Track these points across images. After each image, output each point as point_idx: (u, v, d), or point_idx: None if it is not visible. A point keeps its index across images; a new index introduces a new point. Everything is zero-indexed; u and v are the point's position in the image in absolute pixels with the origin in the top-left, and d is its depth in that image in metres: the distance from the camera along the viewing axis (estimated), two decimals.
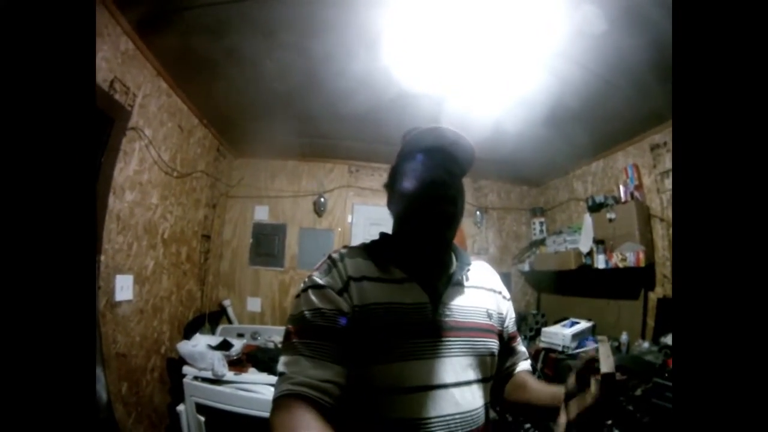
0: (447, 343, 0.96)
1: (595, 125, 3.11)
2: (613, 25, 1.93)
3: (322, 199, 4.36)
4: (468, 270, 1.11)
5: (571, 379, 0.93)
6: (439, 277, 1.06)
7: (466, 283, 1.09)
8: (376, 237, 1.14)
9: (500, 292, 1.20)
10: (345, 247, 1.08)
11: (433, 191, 1.00)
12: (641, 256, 2.92)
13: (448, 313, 0.99)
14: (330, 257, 1.02)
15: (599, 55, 2.20)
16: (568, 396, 0.92)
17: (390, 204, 1.15)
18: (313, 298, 0.92)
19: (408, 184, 1.03)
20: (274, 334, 3.46)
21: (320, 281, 0.95)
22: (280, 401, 0.80)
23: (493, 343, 1.06)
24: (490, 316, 1.09)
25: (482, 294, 1.12)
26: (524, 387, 1.13)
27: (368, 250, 1.07)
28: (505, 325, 1.17)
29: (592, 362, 0.90)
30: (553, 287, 4.29)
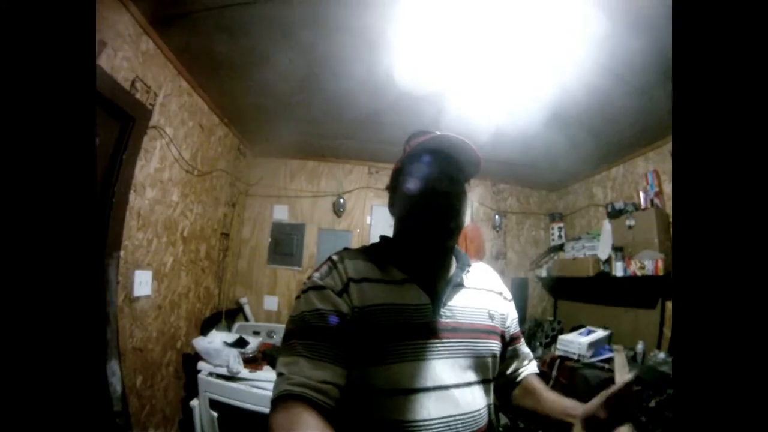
0: (447, 344, 0.96)
1: (614, 130, 3.08)
2: (632, 32, 1.93)
3: (341, 200, 4.38)
4: (468, 272, 1.12)
5: (596, 401, 0.89)
6: (440, 278, 1.06)
7: (466, 284, 1.09)
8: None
9: (501, 293, 1.20)
10: (346, 249, 1.10)
11: (438, 203, 1.01)
12: (660, 264, 2.88)
13: (448, 314, 1.00)
14: (330, 259, 1.03)
15: (621, 60, 2.19)
16: (589, 420, 0.89)
17: (392, 207, 1.16)
18: (313, 299, 0.93)
19: (413, 192, 1.03)
20: None
21: (320, 282, 0.96)
22: (279, 402, 0.80)
23: (495, 344, 1.07)
24: (491, 317, 1.09)
25: (483, 295, 1.12)
26: (534, 394, 1.13)
27: (369, 252, 1.08)
28: (507, 325, 1.17)
29: (629, 389, 0.87)
30: (571, 294, 4.25)
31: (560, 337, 3.32)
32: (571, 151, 3.50)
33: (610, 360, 2.78)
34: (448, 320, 0.99)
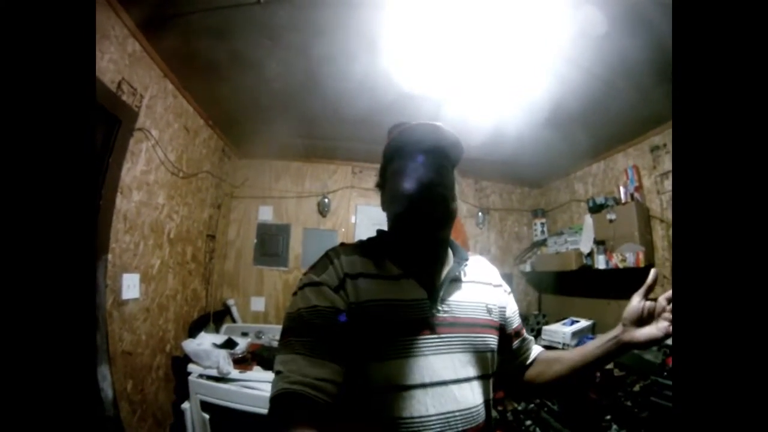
0: (445, 339, 0.95)
1: (595, 127, 3.13)
2: (613, 27, 1.94)
3: (326, 200, 4.39)
4: (465, 265, 1.11)
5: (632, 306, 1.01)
6: (437, 273, 1.05)
7: (463, 279, 1.08)
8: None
9: (500, 286, 1.19)
10: (342, 244, 1.08)
11: (423, 194, 0.99)
12: (641, 256, 2.94)
13: (446, 309, 0.99)
14: (327, 254, 1.02)
15: (600, 57, 2.22)
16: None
17: (383, 204, 1.13)
18: (310, 295, 0.92)
19: (398, 186, 1.02)
20: (278, 334, 3.37)
21: (317, 278, 0.95)
22: (277, 400, 0.80)
23: (492, 339, 1.05)
24: (489, 311, 1.08)
25: (481, 289, 1.11)
26: (560, 358, 1.14)
27: (365, 247, 1.07)
28: (507, 317, 1.16)
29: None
30: (554, 288, 4.31)
31: (544, 327, 3.40)
32: (553, 149, 3.56)
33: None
34: (445, 315, 0.98)
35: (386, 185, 1.09)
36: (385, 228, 1.15)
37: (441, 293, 1.01)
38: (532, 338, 1.26)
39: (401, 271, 1.00)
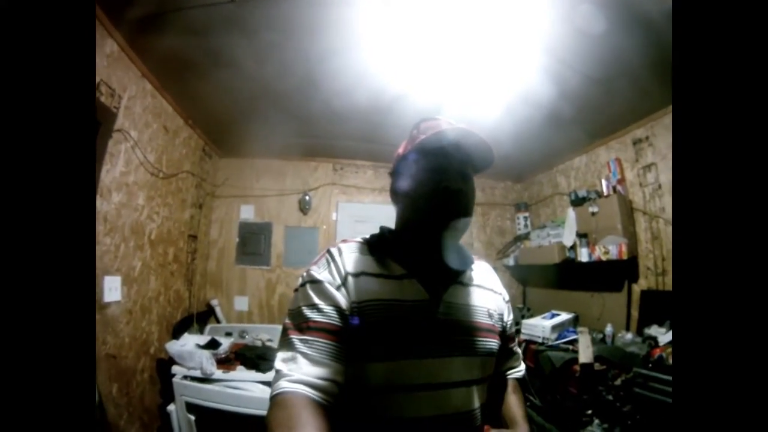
0: (446, 341, 0.94)
1: (577, 121, 3.15)
2: (595, 22, 1.95)
3: (307, 197, 4.38)
4: (470, 269, 1.10)
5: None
6: (441, 274, 1.02)
7: (467, 282, 1.07)
8: (362, 234, 1.10)
9: (501, 294, 1.17)
10: (344, 241, 1.05)
11: (451, 203, 0.96)
12: (624, 248, 2.98)
13: (448, 311, 0.97)
14: (329, 251, 1.00)
15: (582, 52, 2.24)
16: None
17: (395, 195, 1.10)
18: (311, 293, 0.91)
19: (423, 187, 0.98)
20: (261, 333, 3.45)
21: (318, 276, 0.93)
22: (277, 399, 0.78)
23: (494, 343, 1.04)
24: (491, 316, 1.06)
25: (483, 293, 1.10)
26: (507, 401, 1.14)
27: (368, 244, 1.04)
28: (505, 323, 1.15)
29: None
30: (538, 281, 4.34)
31: (524, 321, 3.36)
32: (536, 144, 3.60)
33: (574, 341, 2.84)
34: (446, 317, 0.96)
35: (405, 180, 1.04)
36: (370, 225, 1.11)
37: (444, 295, 0.99)
38: (519, 353, 1.25)
39: (405, 271, 0.98)
